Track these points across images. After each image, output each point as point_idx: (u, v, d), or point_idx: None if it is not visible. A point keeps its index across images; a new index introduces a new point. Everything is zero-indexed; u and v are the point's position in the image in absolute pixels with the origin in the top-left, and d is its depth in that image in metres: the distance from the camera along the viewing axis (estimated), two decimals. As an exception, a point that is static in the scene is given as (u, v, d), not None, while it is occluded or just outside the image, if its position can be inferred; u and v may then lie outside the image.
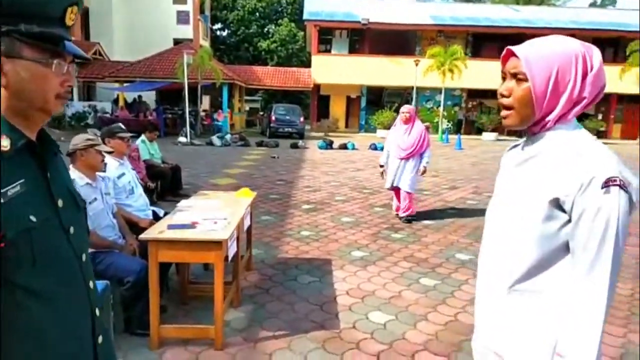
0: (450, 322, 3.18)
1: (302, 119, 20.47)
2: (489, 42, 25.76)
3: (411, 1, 30.58)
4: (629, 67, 22.20)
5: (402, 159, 5.71)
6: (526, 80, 1.09)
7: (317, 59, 25.26)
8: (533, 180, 1.11)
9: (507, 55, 1.16)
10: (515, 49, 1.13)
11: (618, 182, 1.00)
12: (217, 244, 2.60)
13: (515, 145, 1.28)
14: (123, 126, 3.80)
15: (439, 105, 24.18)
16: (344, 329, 3.03)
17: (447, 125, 24.12)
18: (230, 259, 3.03)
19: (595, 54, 1.09)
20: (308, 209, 6.48)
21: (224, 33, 42.54)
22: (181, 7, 26.70)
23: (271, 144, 16.44)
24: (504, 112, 1.16)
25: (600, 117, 25.74)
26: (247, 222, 3.61)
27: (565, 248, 1.08)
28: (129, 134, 3.74)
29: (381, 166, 6.06)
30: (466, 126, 25.85)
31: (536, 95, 1.08)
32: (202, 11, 29.01)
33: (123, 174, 3.51)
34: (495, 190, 1.29)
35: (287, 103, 24.38)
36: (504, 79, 1.16)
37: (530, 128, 1.16)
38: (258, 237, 4.98)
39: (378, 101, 26.18)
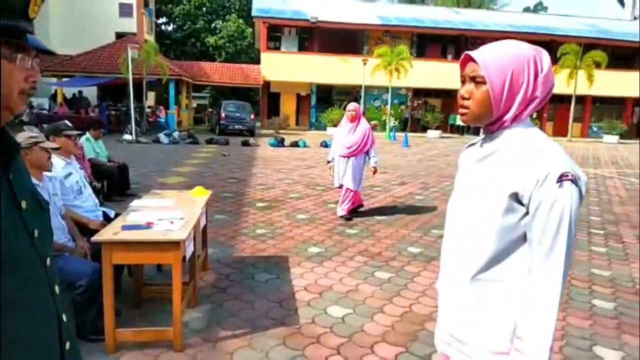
0: (406, 313, 3.30)
1: (252, 116, 20.26)
2: (432, 43, 26.67)
3: (359, 1, 31.02)
4: (560, 69, 23.69)
5: (344, 156, 5.73)
6: (484, 83, 1.17)
7: (266, 56, 25.10)
8: (493, 175, 1.19)
9: (465, 59, 1.23)
10: (473, 54, 1.20)
11: (570, 177, 1.09)
12: (175, 245, 2.56)
13: (473, 144, 1.35)
14: (69, 123, 3.63)
15: (386, 104, 24.75)
16: (304, 325, 3.07)
17: (394, 123, 24.69)
18: (187, 259, 2.99)
19: (545, 57, 1.19)
20: (262, 206, 6.46)
21: (170, 27, 41.24)
22: (124, 0, 25.63)
23: (221, 141, 16.17)
24: (461, 110, 1.24)
25: (534, 115, 27.28)
26: (202, 222, 3.56)
27: (524, 239, 1.17)
28: (76, 132, 3.58)
29: (329, 162, 6.08)
30: (412, 124, 26.61)
31: (494, 97, 1.16)
32: (146, 4, 27.95)
33: (70, 174, 3.35)
34: (456, 186, 1.36)
35: (236, 100, 24.06)
36: (463, 82, 1.24)
37: (488, 127, 1.24)
38: (213, 236, 4.91)
39: (328, 99, 26.40)
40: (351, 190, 5.82)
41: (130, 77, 16.16)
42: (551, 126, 28.25)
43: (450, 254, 1.32)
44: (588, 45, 24.52)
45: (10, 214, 0.86)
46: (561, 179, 1.09)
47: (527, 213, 1.14)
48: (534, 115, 26.39)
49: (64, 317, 0.99)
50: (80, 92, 20.73)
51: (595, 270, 4.34)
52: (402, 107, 27.02)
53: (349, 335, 2.95)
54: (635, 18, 41.25)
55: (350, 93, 26.71)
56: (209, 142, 16.19)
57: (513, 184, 1.14)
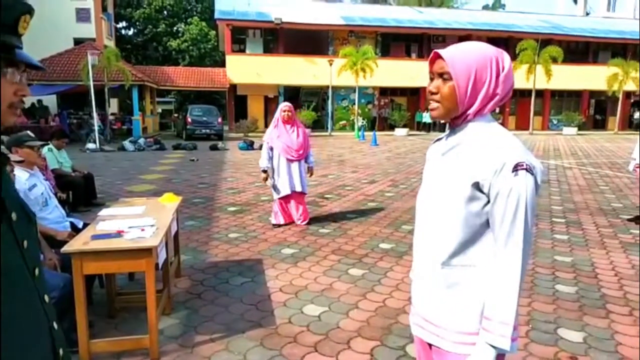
0: (380, 307, 3.38)
1: (220, 119, 20.09)
2: (396, 42, 27.09)
3: (322, 2, 31.17)
4: (519, 65, 24.48)
5: (294, 160, 5.41)
6: (451, 79, 1.25)
7: (231, 59, 24.90)
8: (456, 166, 1.27)
9: (434, 57, 1.31)
10: (441, 52, 1.28)
11: (525, 167, 1.18)
12: (148, 252, 2.55)
13: (439, 139, 1.44)
14: (32, 134, 3.54)
15: (354, 104, 24.99)
16: (281, 325, 3.10)
17: (363, 122, 24.97)
18: (160, 266, 2.97)
19: (506, 57, 1.29)
20: (234, 210, 6.43)
21: (130, 32, 40.32)
22: (81, 4, 24.89)
23: (189, 146, 15.96)
24: (432, 105, 1.32)
25: (497, 110, 28.12)
26: (174, 228, 3.54)
27: (488, 225, 1.25)
28: (39, 143, 3.49)
29: (264, 171, 5.45)
30: (380, 123, 26.97)
31: (459, 92, 1.25)
32: (104, 9, 27.25)
33: (35, 185, 3.27)
34: (424, 179, 1.44)
35: (202, 104, 23.77)
36: (432, 79, 1.32)
37: (453, 121, 1.32)
38: (185, 242, 4.87)
39: (296, 100, 26.42)
40: (305, 195, 5.65)
41: (91, 84, 15.75)
42: (514, 120, 29.15)
43: (421, 243, 1.40)
44: (544, 41, 25.47)
45: (3, 227, 0.87)
46: (516, 168, 1.17)
47: (488, 201, 1.22)
48: (497, 110, 27.23)
49: (55, 325, 1.01)
50: (39, 101, 20.04)
51: (558, 257, 4.54)
52: (370, 106, 27.34)
53: (325, 332, 3.00)
54: (587, 14, 43.06)
55: (318, 94, 26.83)
56: (177, 147, 15.97)
57: (474, 174, 1.22)
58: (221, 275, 4.00)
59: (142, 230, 2.77)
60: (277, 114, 5.48)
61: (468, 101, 1.26)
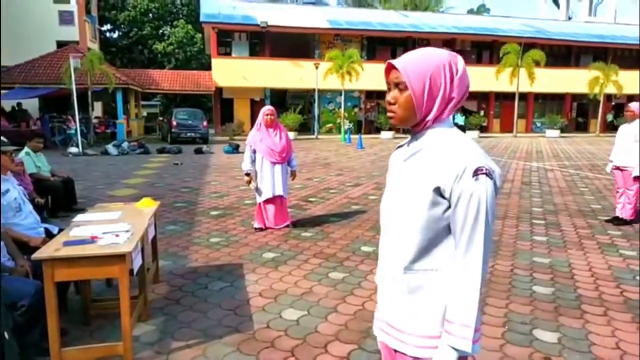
0: (359, 311, 3.38)
1: (205, 123, 19.98)
2: (382, 46, 27.26)
3: (308, 6, 31.25)
4: (503, 68, 24.82)
5: (277, 163, 5.40)
6: (407, 88, 1.26)
7: (217, 62, 24.82)
8: (418, 172, 1.28)
9: (388, 68, 1.32)
10: (395, 62, 1.29)
11: (485, 171, 1.20)
12: (121, 258, 2.51)
13: (401, 145, 1.45)
14: (5, 139, 3.48)
15: (340, 107, 25.06)
16: (258, 330, 3.08)
17: (349, 125, 25.03)
18: (135, 272, 2.93)
19: (459, 61, 1.29)
20: (216, 215, 6.40)
21: (115, 35, 39.97)
22: (64, 7, 24.63)
23: (173, 150, 15.84)
24: (389, 114, 1.34)
25: (482, 113, 28.46)
26: (151, 233, 3.51)
27: (450, 230, 1.26)
28: (12, 147, 3.44)
29: (247, 174, 5.44)
30: (366, 126, 27.08)
31: (416, 100, 1.26)
32: (88, 11, 26.98)
33: (8, 191, 3.22)
34: (387, 185, 1.45)
35: (188, 107, 23.64)
36: (389, 89, 1.32)
37: (413, 128, 1.33)
38: (165, 247, 4.83)
39: (282, 103, 26.40)
40: (285, 198, 5.63)
41: (74, 87, 15.54)
42: (498, 123, 29.51)
43: (385, 248, 1.41)
44: (528, 44, 25.85)
45: None
46: (477, 173, 1.19)
47: (449, 206, 1.23)
48: (482, 113, 27.62)
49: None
50: (19, 105, 19.73)
51: (536, 258, 4.59)
52: (356, 109, 27.44)
53: (303, 336, 2.99)
54: (570, 18, 43.81)
55: (304, 97, 26.86)
56: (161, 151, 15.83)
57: (435, 179, 1.23)
58: (200, 281, 3.97)
59: (117, 236, 2.73)
60: (260, 118, 5.47)
61: (425, 108, 1.27)
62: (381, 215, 1.44)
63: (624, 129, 5.83)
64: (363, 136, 20.43)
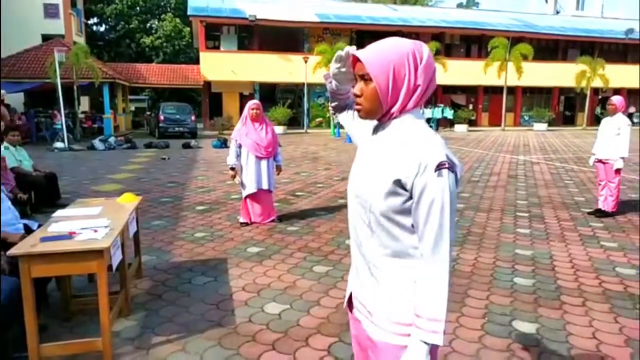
0: (341, 303, 3.39)
1: (193, 117, 19.85)
2: (371, 39, 26.22)
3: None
4: (491, 62, 24.92)
5: (263, 158, 5.40)
6: (372, 80, 1.25)
7: (205, 56, 24.63)
8: (380, 162, 1.29)
9: (354, 60, 1.31)
10: (358, 54, 1.28)
11: (447, 165, 1.19)
12: (99, 253, 2.50)
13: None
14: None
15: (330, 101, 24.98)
16: (240, 324, 3.08)
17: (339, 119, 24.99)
18: (115, 267, 2.92)
19: (424, 49, 1.29)
20: (202, 210, 6.37)
21: (102, 28, 39.48)
22: (49, 0, 24.23)
23: (161, 144, 15.73)
24: (356, 107, 1.33)
25: (471, 107, 28.60)
26: (132, 228, 3.49)
27: (411, 222, 1.26)
28: (-11, 142, 3.39)
29: (232, 168, 5.43)
30: (356, 119, 27.03)
31: (381, 92, 1.25)
32: (73, 4, 26.59)
33: (-16, 187, 3.17)
34: (350, 176, 1.45)
35: (176, 101, 23.44)
36: (356, 80, 1.32)
37: (379, 118, 1.33)
38: (149, 242, 4.81)
39: (272, 97, 26.29)
40: (271, 192, 5.63)
41: (59, 81, 15.33)
42: (486, 116, 29.67)
43: (353, 236, 1.42)
44: (516, 38, 25.96)
45: None
46: (439, 167, 1.19)
47: (410, 197, 1.23)
48: (471, 107, 27.73)
49: None
50: (1, 100, 19.42)
51: (518, 250, 4.64)
52: (345, 103, 27.38)
53: (284, 330, 3.00)
54: (557, 12, 44.06)
55: (294, 91, 26.76)
56: (148, 146, 15.71)
57: (397, 171, 1.22)
58: (184, 276, 3.96)
59: (95, 231, 2.71)
60: (246, 112, 5.45)
61: (391, 99, 1.26)
62: (348, 205, 1.44)
63: (606, 123, 5.90)
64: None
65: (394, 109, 1.28)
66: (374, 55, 1.26)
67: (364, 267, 1.37)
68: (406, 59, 1.25)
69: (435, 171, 1.18)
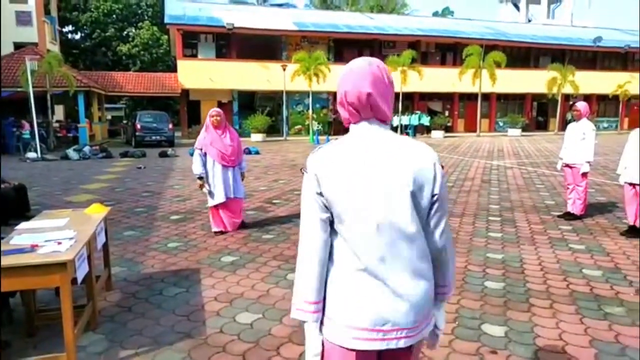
0: (313, 312, 3.38)
1: (170, 125, 19.64)
2: (348, 47, 27.42)
3: (274, 7, 31.16)
4: (466, 70, 25.38)
5: (228, 166, 5.40)
6: None
7: (183, 64, 24.45)
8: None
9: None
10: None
11: (302, 169, 1.42)
12: (62, 266, 2.45)
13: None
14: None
15: (309, 108, 25.08)
16: (211, 335, 3.05)
17: (318, 127, 25.10)
18: (80, 280, 2.86)
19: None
20: (177, 219, 6.30)
21: (77, 36, 38.83)
22: (21, 7, 23.75)
23: (137, 154, 15.51)
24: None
25: (447, 113, 29.04)
26: (101, 239, 3.43)
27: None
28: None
29: (200, 178, 5.40)
30: (335, 127, 27.18)
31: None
32: (47, 12, 26.12)
33: (-56, 200, 3.08)
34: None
35: (154, 109, 23.18)
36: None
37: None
38: (121, 253, 4.73)
39: (250, 105, 26.23)
40: (241, 200, 5.64)
41: (31, 90, 15.02)
42: (462, 123, 30.15)
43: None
44: (489, 46, 26.55)
45: None
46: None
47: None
48: (447, 114, 28.16)
49: None
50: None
51: (490, 254, 4.72)
52: (325, 110, 27.52)
53: (255, 340, 2.98)
54: (529, 21, 45.21)
55: (273, 99, 26.75)
56: (124, 155, 15.49)
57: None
58: (155, 287, 3.90)
59: (59, 243, 2.66)
60: (207, 120, 5.44)
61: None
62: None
63: (572, 128, 6.07)
64: (332, 137, 20.50)
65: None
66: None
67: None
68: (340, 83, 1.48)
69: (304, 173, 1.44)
